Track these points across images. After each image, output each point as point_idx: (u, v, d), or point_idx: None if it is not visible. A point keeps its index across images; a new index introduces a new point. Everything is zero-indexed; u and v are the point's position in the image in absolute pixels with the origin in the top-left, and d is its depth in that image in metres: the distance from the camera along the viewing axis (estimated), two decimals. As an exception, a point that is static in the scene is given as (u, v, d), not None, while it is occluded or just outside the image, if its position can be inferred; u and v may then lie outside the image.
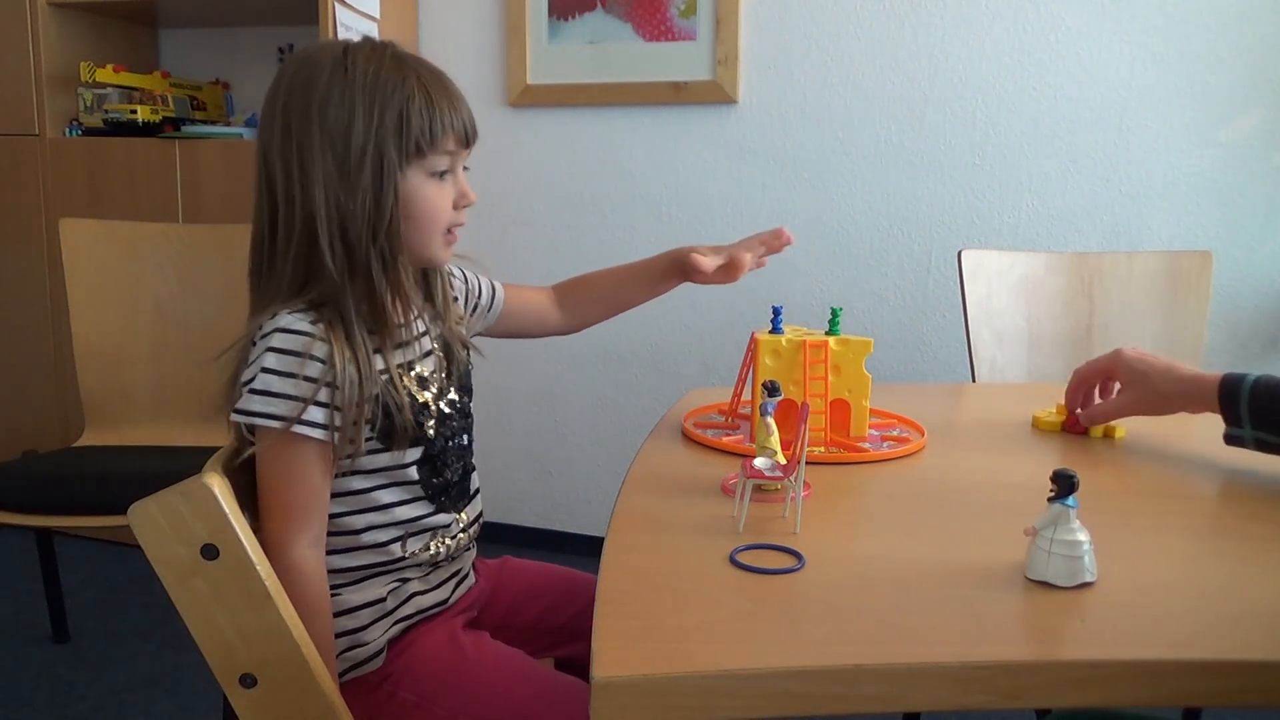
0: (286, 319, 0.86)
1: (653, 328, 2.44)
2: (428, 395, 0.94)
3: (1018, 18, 2.16)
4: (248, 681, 0.76)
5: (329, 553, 0.90)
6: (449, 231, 0.94)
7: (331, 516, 0.90)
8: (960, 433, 1.14)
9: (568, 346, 2.49)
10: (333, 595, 0.90)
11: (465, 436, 1.00)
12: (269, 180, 0.88)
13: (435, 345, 0.98)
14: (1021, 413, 1.20)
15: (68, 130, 2.43)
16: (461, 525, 0.99)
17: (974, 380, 1.61)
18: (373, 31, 2.27)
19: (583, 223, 2.48)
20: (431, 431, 0.93)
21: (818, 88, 2.29)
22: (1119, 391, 1.08)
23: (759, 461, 0.82)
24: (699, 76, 2.32)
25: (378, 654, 0.92)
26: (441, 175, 0.91)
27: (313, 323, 0.86)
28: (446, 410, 0.96)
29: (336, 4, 2.12)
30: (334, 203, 0.85)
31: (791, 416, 1.02)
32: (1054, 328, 1.69)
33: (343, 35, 2.14)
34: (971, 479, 0.94)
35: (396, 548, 0.93)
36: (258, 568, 0.74)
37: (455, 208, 0.93)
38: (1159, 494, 0.91)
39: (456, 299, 1.06)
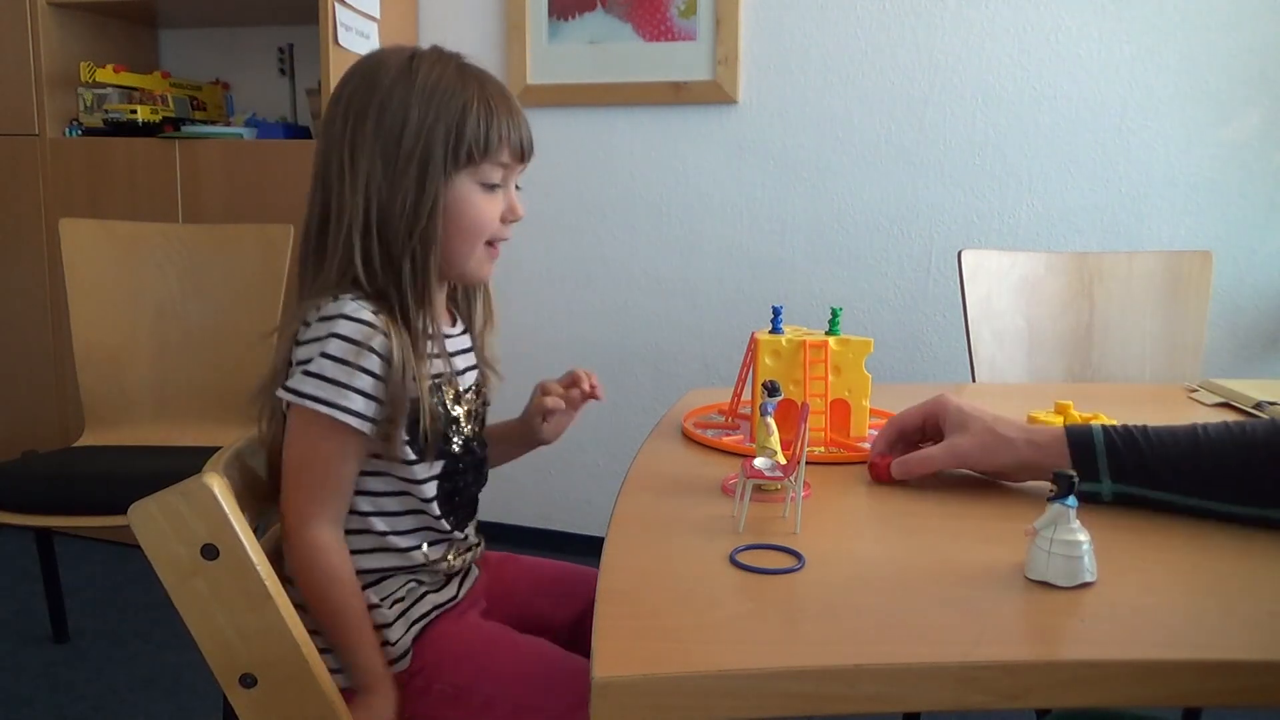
0: (351, 306, 0.86)
1: (653, 328, 2.45)
2: (459, 411, 0.95)
3: (1018, 18, 2.16)
4: (248, 681, 0.76)
5: (353, 552, 0.90)
6: (491, 245, 0.94)
7: (356, 514, 0.91)
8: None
9: (567, 347, 2.50)
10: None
11: (483, 462, 1.02)
12: (324, 173, 0.90)
13: (474, 364, 1.01)
14: (1021, 413, 1.20)
15: (68, 130, 2.43)
16: (470, 540, 1.01)
17: (974, 380, 1.61)
18: (372, 31, 2.27)
19: (583, 223, 2.48)
20: (457, 448, 0.95)
21: (818, 88, 2.29)
22: (949, 439, 0.90)
23: (759, 461, 0.82)
24: (699, 76, 2.32)
25: (405, 654, 0.93)
26: (492, 188, 0.92)
27: (374, 313, 0.86)
28: (470, 433, 0.98)
29: (336, 4, 2.12)
30: (376, 200, 0.87)
31: (791, 416, 1.02)
32: (1054, 328, 1.69)
33: (343, 36, 2.14)
34: (971, 479, 0.94)
35: (419, 554, 0.94)
36: (258, 568, 0.74)
37: (503, 221, 0.94)
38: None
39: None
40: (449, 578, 0.99)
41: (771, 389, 0.86)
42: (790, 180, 2.33)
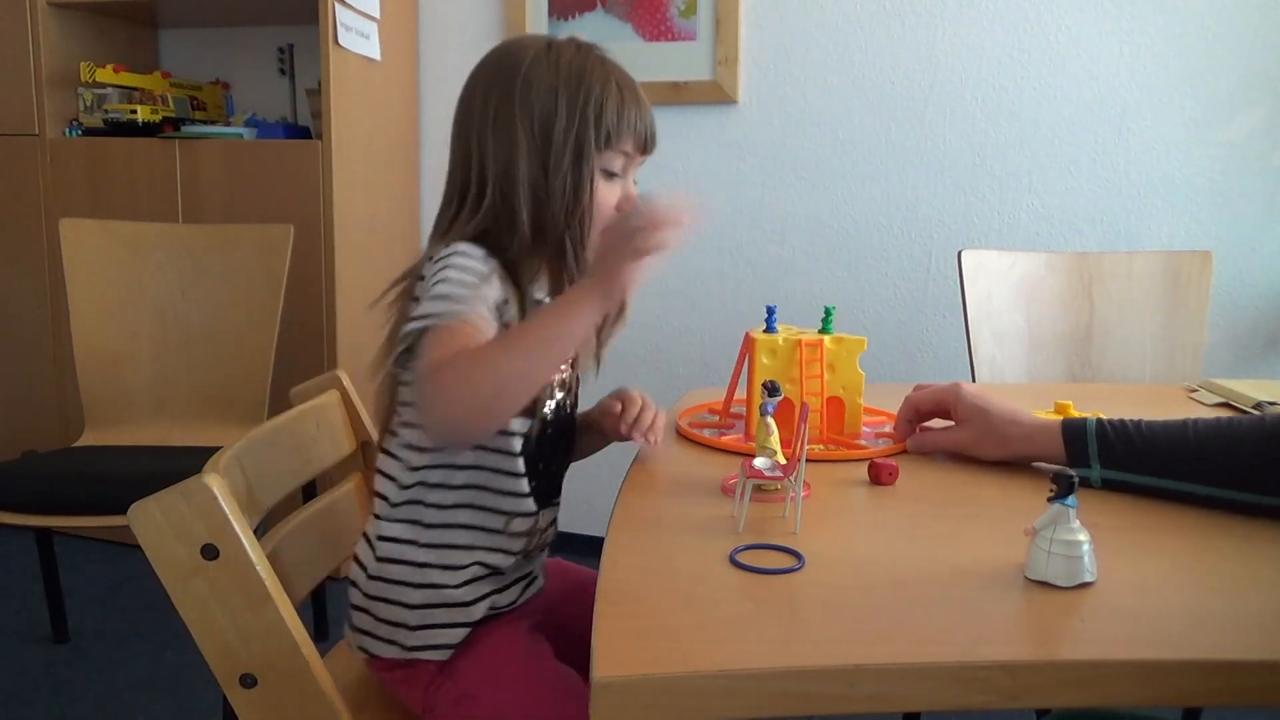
0: (464, 247, 0.86)
1: (653, 328, 2.44)
2: (553, 379, 0.96)
3: (1018, 18, 2.16)
4: (248, 681, 0.76)
5: (440, 526, 0.91)
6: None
7: (448, 487, 0.91)
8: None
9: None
10: (437, 564, 0.91)
11: (571, 430, 1.03)
12: (465, 151, 0.91)
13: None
14: (1021, 413, 1.20)
15: (68, 130, 2.43)
16: (547, 522, 0.99)
17: (974, 380, 1.61)
18: (372, 31, 2.27)
19: (583, 223, 2.47)
20: (548, 412, 0.95)
21: (818, 88, 2.29)
22: (954, 426, 1.00)
23: (759, 461, 0.82)
24: (699, 76, 2.32)
25: (447, 647, 0.92)
26: (611, 176, 0.93)
27: (487, 258, 0.86)
28: (560, 400, 0.98)
29: (336, 4, 2.12)
30: (534, 179, 0.89)
31: (789, 415, 1.03)
32: (1054, 328, 1.69)
33: (343, 35, 2.14)
34: (971, 479, 0.94)
35: (501, 521, 0.92)
36: (258, 568, 0.74)
37: (618, 209, 0.93)
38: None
39: None
40: (515, 575, 0.97)
41: (771, 389, 0.86)
42: (790, 180, 2.33)
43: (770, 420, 0.86)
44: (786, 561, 0.72)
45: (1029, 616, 0.65)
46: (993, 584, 0.68)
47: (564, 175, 0.89)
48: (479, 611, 0.92)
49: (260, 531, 0.86)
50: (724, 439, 1.05)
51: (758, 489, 0.85)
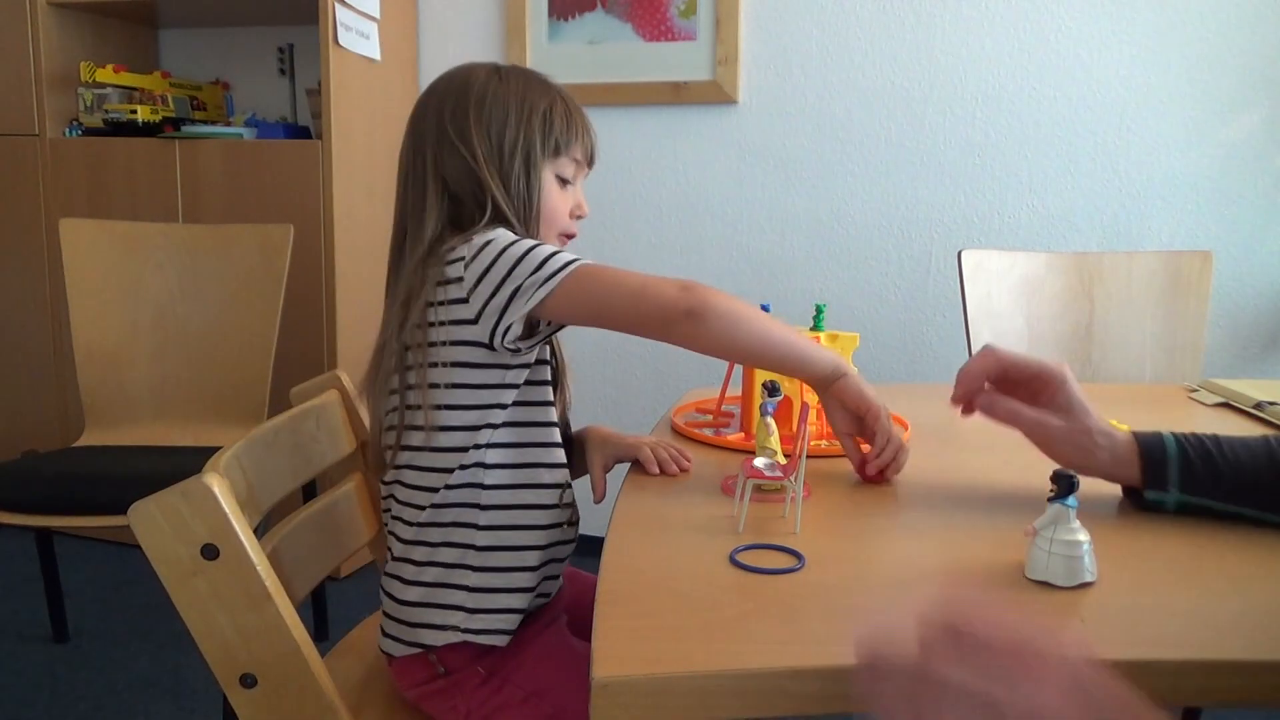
0: (490, 233, 0.91)
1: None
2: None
3: (1018, 18, 2.16)
4: (248, 681, 0.76)
5: (506, 505, 0.93)
6: (562, 238, 1.04)
7: (507, 467, 0.93)
8: (960, 432, 1.14)
9: (568, 346, 2.49)
10: (497, 546, 0.93)
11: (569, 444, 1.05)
12: (414, 169, 0.97)
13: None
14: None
15: (68, 130, 2.43)
16: (572, 497, 1.00)
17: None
18: (372, 31, 2.27)
19: (582, 223, 2.47)
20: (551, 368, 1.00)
21: (818, 88, 2.29)
22: (1043, 411, 0.85)
23: (759, 461, 0.82)
24: (699, 76, 2.32)
25: (502, 633, 0.93)
26: (564, 183, 1.01)
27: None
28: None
29: (336, 4, 2.12)
30: (492, 180, 0.95)
31: (789, 414, 1.03)
32: (1054, 328, 1.69)
33: (343, 35, 2.14)
34: (971, 479, 0.94)
35: (554, 495, 0.95)
36: (258, 568, 0.74)
37: (571, 216, 1.03)
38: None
39: None
40: (554, 569, 0.99)
41: (771, 389, 0.86)
42: (790, 180, 2.33)
43: (770, 420, 0.86)
44: (787, 561, 0.72)
45: (1029, 616, 0.65)
46: (993, 584, 0.68)
47: (517, 179, 0.97)
48: (536, 587, 0.95)
49: (260, 531, 0.86)
50: (728, 437, 1.05)
51: (757, 489, 0.85)
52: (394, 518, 0.97)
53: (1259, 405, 1.21)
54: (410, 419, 0.93)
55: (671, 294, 0.87)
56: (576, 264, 0.88)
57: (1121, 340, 1.69)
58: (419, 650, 0.94)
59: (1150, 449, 0.82)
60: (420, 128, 0.99)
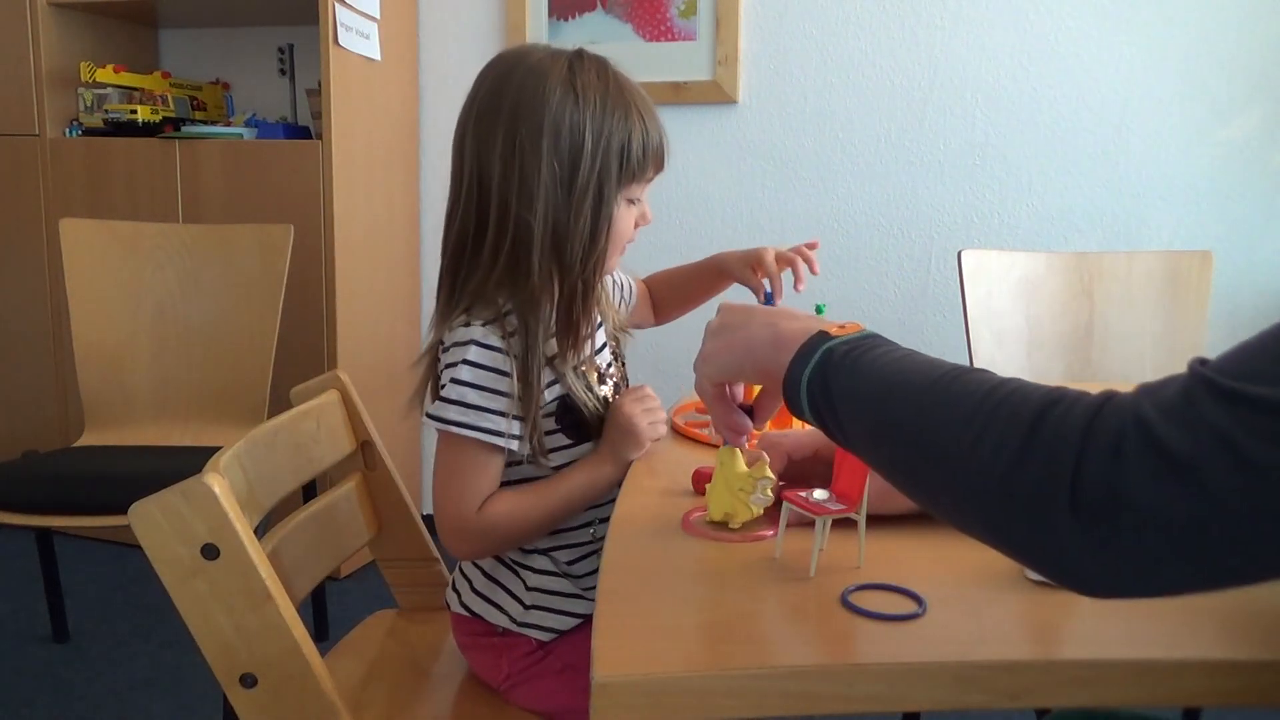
0: (479, 332, 0.90)
1: (653, 328, 2.44)
2: (606, 390, 1.01)
3: (1018, 18, 2.16)
4: (248, 681, 0.76)
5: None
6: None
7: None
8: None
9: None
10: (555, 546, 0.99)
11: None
12: (481, 181, 0.91)
13: (607, 340, 1.06)
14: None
15: (68, 130, 2.43)
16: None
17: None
18: (372, 31, 2.27)
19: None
20: (600, 401, 0.99)
21: (818, 88, 2.29)
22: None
23: (818, 494, 0.74)
24: (699, 76, 2.32)
25: (549, 630, 0.98)
26: (633, 201, 0.97)
27: (502, 338, 0.90)
28: (604, 397, 1.02)
29: (336, 4, 2.12)
30: (553, 218, 0.89)
31: (788, 414, 1.02)
32: (1054, 328, 1.69)
33: (343, 35, 2.14)
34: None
35: (588, 533, 1.01)
36: (258, 568, 0.74)
37: (635, 226, 0.99)
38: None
39: (612, 299, 1.14)
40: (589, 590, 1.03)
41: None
42: (790, 180, 2.33)
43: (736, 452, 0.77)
44: (906, 606, 0.65)
45: (1029, 616, 0.65)
46: (993, 584, 0.68)
47: (585, 218, 0.90)
48: (584, 593, 0.99)
49: (260, 531, 0.86)
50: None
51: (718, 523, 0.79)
52: None
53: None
54: None
55: (456, 514, 0.92)
56: (450, 428, 0.90)
57: (1121, 340, 1.69)
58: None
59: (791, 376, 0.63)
60: (486, 137, 0.90)
